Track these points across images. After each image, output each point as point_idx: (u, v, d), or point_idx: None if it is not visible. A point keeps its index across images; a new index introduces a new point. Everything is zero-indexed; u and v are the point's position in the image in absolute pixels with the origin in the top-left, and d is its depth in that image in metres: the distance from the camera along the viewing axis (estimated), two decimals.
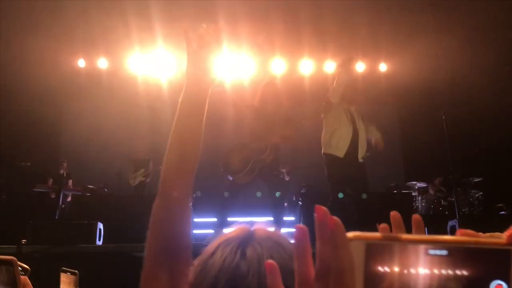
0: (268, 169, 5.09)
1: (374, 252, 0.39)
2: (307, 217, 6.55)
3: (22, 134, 8.05)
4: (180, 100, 1.20)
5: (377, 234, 0.40)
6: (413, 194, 7.94)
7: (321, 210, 0.42)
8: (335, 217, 0.42)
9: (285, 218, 7.43)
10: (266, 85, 5.23)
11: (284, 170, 8.37)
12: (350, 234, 0.40)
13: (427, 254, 0.39)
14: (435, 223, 5.81)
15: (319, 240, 0.42)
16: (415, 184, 8.12)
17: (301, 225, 0.43)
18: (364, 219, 5.71)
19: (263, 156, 4.99)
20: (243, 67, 8.90)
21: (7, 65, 7.70)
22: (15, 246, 4.45)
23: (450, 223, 5.05)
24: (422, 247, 0.39)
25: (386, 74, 8.97)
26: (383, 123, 8.72)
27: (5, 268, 0.91)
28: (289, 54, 8.80)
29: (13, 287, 0.91)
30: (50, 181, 7.41)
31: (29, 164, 7.38)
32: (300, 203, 7.10)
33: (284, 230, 6.99)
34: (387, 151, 8.84)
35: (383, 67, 9.04)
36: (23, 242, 4.48)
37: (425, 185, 8.09)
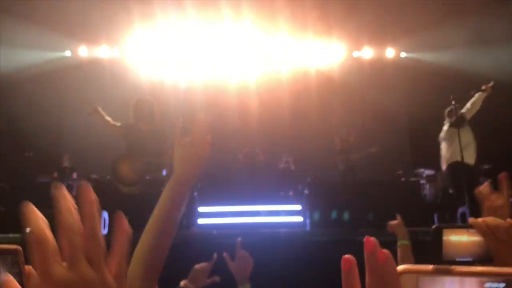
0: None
1: (426, 286, 0.39)
2: (313, 206, 6.49)
3: (24, 125, 8.00)
4: (164, 189, 1.26)
5: (428, 267, 0.39)
6: (421, 181, 7.83)
7: (370, 243, 0.42)
8: (385, 250, 0.42)
9: (291, 207, 7.39)
10: (137, 102, 5.36)
11: (290, 160, 8.28)
12: (401, 268, 0.40)
13: (482, 287, 0.37)
14: (444, 211, 5.72)
15: (369, 273, 0.42)
16: (423, 171, 8.00)
17: (348, 256, 0.44)
18: (371, 207, 5.67)
19: (159, 173, 5.12)
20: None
21: (8, 55, 7.64)
22: (19, 234, 4.43)
23: (460, 210, 4.96)
24: (477, 280, 0.37)
25: (393, 59, 8.83)
26: (389, 109, 8.63)
27: (10, 258, 0.87)
28: (295, 38, 8.68)
29: (19, 277, 0.86)
30: (55, 174, 7.40)
31: (31, 154, 7.34)
32: (306, 192, 7.03)
33: (286, 219, 6.97)
34: (394, 138, 8.76)
35: (390, 52, 8.89)
36: (27, 231, 4.45)
37: (433, 173, 7.97)
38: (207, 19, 8.22)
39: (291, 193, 7.85)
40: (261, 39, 8.63)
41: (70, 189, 6.22)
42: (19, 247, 0.87)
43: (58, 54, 8.47)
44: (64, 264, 0.49)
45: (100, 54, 8.75)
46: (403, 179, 7.70)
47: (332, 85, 8.86)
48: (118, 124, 5.34)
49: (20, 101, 7.89)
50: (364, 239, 0.43)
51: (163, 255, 1.19)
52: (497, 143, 7.88)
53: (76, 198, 0.51)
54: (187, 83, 8.92)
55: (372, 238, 0.42)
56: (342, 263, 0.43)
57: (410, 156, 9.10)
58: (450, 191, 6.06)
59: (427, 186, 7.81)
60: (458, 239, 1.04)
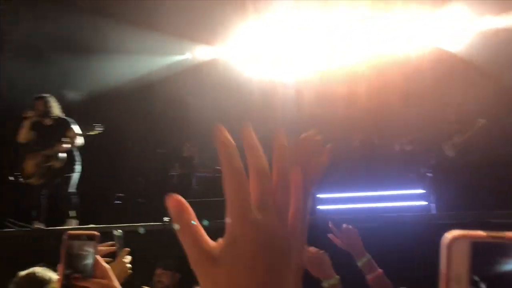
0: None
1: (479, 251, 0.38)
2: (438, 190, 6.18)
3: (155, 126, 8.73)
4: None
5: (482, 233, 0.38)
6: None
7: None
8: None
9: (413, 192, 7.11)
10: (35, 101, 5.98)
11: (405, 140, 7.88)
12: (455, 233, 0.39)
13: None
14: None
15: None
16: None
17: None
18: (503, 188, 5.26)
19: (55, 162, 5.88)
20: None
21: (136, 61, 8.40)
22: (161, 223, 4.92)
23: None
24: None
25: None
26: None
27: (89, 241, 1.04)
28: (408, 14, 8.27)
29: (92, 257, 1.02)
30: (177, 165, 7.93)
31: (164, 151, 8.01)
32: (429, 175, 6.72)
33: (409, 203, 6.71)
34: None
35: None
36: (166, 220, 4.93)
37: None
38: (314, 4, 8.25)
39: (411, 175, 7.55)
40: (371, 18, 8.38)
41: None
42: (97, 233, 1.04)
43: (179, 57, 9.11)
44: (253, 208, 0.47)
45: (215, 55, 9.22)
46: None
47: (450, 61, 8.29)
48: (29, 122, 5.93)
49: (152, 103, 8.65)
50: None
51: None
52: None
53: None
54: (296, 76, 9.02)
55: None
56: None
57: None
58: None
59: None
60: None
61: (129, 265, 1.79)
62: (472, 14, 8.07)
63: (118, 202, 7.30)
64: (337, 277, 1.93)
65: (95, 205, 6.77)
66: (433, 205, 6.12)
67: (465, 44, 8.21)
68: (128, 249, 1.80)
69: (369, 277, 1.93)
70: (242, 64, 9.17)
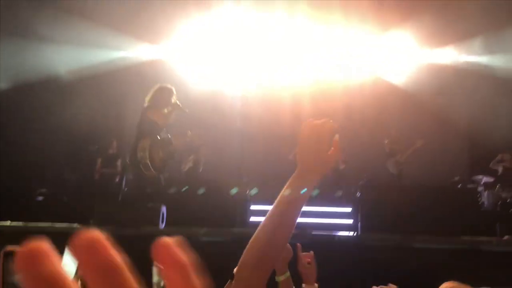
0: None
1: None
2: (365, 210, 6.38)
3: (86, 122, 8.31)
4: (282, 193, 1.17)
5: None
6: (479, 189, 7.55)
7: None
8: None
9: (341, 209, 7.32)
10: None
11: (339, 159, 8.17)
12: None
13: None
14: (505, 221, 5.49)
15: None
16: (482, 178, 7.71)
17: None
18: (427, 213, 5.52)
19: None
20: None
21: (71, 53, 7.98)
22: (83, 225, 4.67)
23: None
24: None
25: (454, 62, 8.54)
26: (448, 113, 8.31)
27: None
28: (348, 40, 8.56)
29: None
30: (99, 161, 7.59)
31: (97, 147, 7.63)
32: (358, 195, 6.94)
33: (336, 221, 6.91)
34: (452, 141, 8.43)
35: (450, 54, 8.59)
36: (91, 222, 4.69)
37: (492, 180, 7.66)
38: (263, 20, 8.31)
39: (340, 194, 7.77)
40: (314, 40, 8.59)
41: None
42: None
43: (118, 54, 8.75)
44: None
45: (154, 55, 8.97)
46: (459, 186, 7.46)
47: (388, 88, 8.68)
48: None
49: (82, 99, 8.21)
50: None
51: (278, 247, 1.17)
52: None
53: None
54: (241, 89, 9.00)
55: None
56: None
57: (468, 162, 8.76)
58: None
59: (486, 193, 7.52)
60: None
61: None
62: (408, 46, 8.54)
63: (40, 199, 6.84)
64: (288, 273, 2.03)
65: (16, 201, 6.31)
66: (359, 224, 6.31)
67: (403, 72, 8.65)
68: None
69: None
70: (184, 67, 9.01)
